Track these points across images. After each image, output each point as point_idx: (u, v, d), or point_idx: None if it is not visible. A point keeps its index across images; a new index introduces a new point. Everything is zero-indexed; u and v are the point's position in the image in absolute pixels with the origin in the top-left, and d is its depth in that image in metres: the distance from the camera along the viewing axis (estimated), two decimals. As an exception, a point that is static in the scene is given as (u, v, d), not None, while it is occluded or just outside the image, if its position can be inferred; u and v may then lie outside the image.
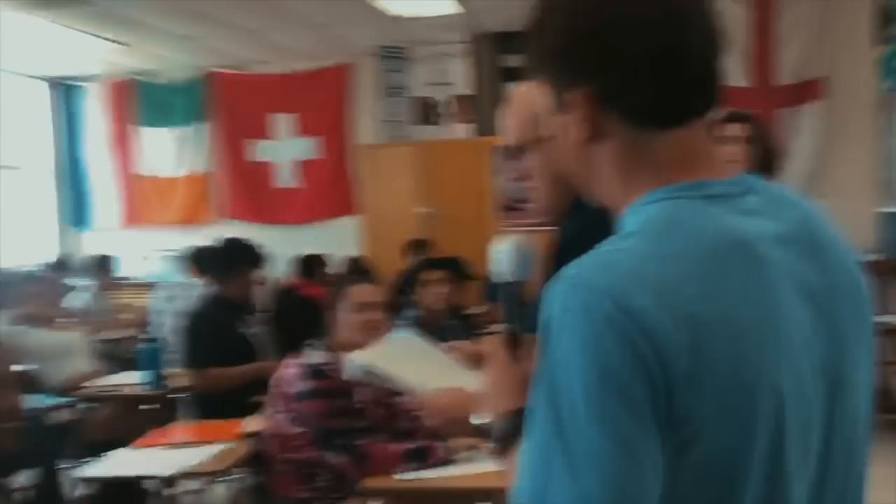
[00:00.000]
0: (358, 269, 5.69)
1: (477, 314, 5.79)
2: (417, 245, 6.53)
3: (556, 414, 0.74)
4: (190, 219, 8.29)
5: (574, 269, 0.79)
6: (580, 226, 1.45)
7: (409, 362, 1.70)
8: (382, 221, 7.36)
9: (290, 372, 2.81)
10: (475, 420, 1.27)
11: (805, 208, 0.90)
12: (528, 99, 1.49)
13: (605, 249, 0.81)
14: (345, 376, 1.65)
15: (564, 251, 1.44)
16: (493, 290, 6.01)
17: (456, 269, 4.70)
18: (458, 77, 7.59)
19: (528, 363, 1.05)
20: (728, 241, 0.80)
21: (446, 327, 4.12)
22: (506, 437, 0.99)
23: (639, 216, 0.84)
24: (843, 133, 6.34)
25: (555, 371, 0.76)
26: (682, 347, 0.74)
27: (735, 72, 6.22)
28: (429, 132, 7.68)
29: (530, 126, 1.47)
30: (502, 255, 1.18)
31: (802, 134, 6.38)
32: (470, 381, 1.60)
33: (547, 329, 0.78)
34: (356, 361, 1.59)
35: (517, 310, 1.16)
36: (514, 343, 1.11)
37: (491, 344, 1.10)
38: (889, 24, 5.61)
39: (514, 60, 7.30)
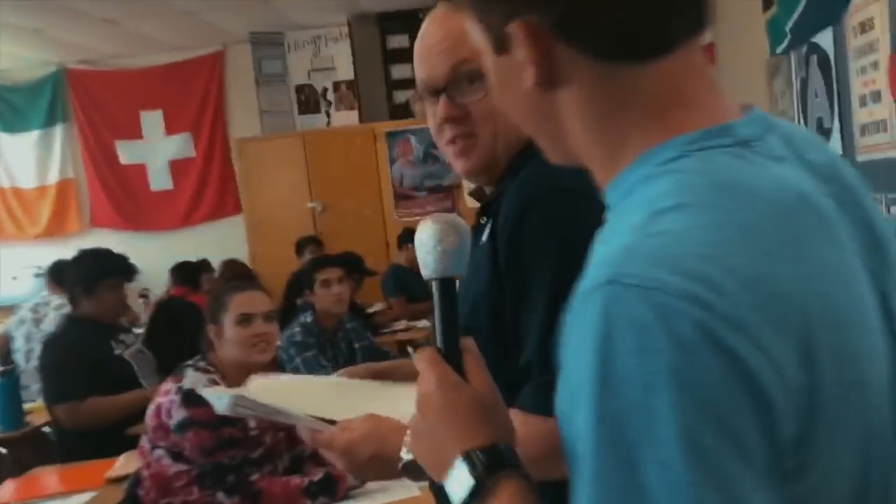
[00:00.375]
0: (236, 274, 5.19)
1: (378, 312, 5.44)
2: (309, 242, 6.14)
3: (635, 480, 0.53)
4: (57, 230, 7.62)
5: (618, 267, 0.57)
6: (524, 196, 1.13)
7: (302, 392, 1.31)
8: (269, 220, 6.93)
9: (166, 399, 2.38)
10: (406, 455, 0.99)
11: (828, 150, 0.74)
12: (459, 21, 1.17)
13: (647, 233, 0.59)
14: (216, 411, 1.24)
15: (516, 227, 1.12)
16: (394, 284, 5.62)
17: (353, 266, 4.33)
18: (340, 62, 7.20)
19: (478, 379, 0.79)
20: (794, 201, 0.63)
21: (348, 330, 3.74)
22: (480, 488, 0.70)
23: (666, 182, 0.62)
24: (735, 98, 6.29)
25: (624, 417, 0.54)
26: (794, 354, 0.56)
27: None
28: (312, 121, 7.27)
29: (467, 54, 1.16)
30: (429, 242, 0.85)
31: (696, 103, 6.33)
32: (396, 402, 1.24)
33: (593, 359, 0.55)
34: (220, 394, 1.19)
35: (454, 313, 0.84)
36: (455, 356, 0.80)
37: (425, 361, 0.79)
38: (775, -14, 5.53)
39: (398, 41, 6.97)
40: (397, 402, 1.24)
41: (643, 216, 0.60)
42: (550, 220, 1.10)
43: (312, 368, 3.36)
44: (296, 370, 3.34)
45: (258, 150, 7.05)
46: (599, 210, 1.14)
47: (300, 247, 6.14)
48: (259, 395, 1.14)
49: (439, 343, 0.81)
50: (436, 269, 0.84)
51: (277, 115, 7.29)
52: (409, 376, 1.46)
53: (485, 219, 1.23)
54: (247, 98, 7.34)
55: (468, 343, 0.82)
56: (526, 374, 1.09)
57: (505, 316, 1.12)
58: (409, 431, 0.82)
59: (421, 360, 0.79)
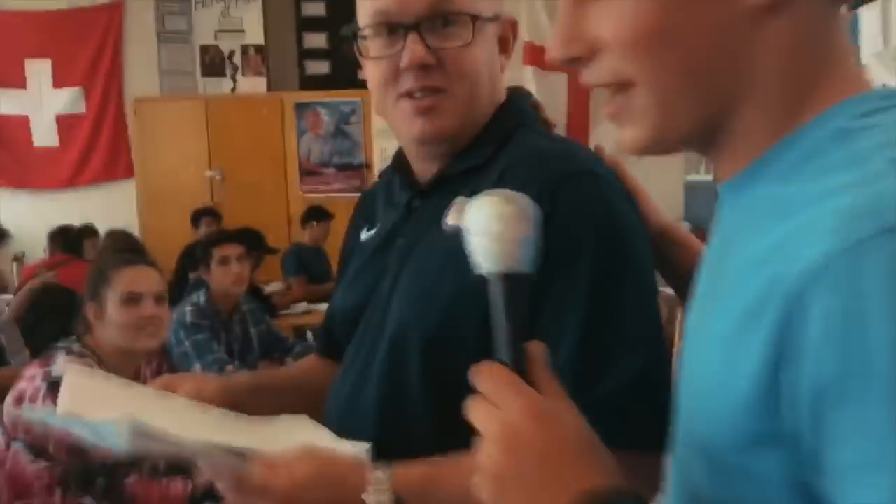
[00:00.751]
0: (122, 246, 4.77)
1: (277, 292, 5.14)
2: (205, 214, 5.76)
3: None
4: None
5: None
6: (543, 178, 0.93)
7: (185, 415, 1.04)
8: (163, 186, 6.52)
9: (30, 386, 2.07)
10: (372, 498, 0.83)
11: None
12: None
13: None
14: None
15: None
16: (295, 263, 5.28)
17: (253, 243, 4.03)
18: (250, 25, 6.80)
19: (559, 401, 0.62)
20: None
21: (245, 312, 3.46)
22: None
23: (887, 132, 0.53)
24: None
25: None
26: None
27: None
28: (216, 85, 6.85)
29: None
30: (491, 225, 0.64)
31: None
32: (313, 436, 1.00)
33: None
34: (105, 423, 0.89)
35: (523, 319, 0.65)
36: (524, 372, 0.62)
37: (497, 383, 0.61)
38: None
39: (313, 9, 6.63)
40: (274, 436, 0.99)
41: (884, 164, 0.51)
42: (582, 209, 0.92)
43: (203, 353, 3.08)
44: (184, 355, 3.05)
45: (156, 112, 6.61)
46: (620, 194, 0.96)
47: (196, 218, 5.76)
48: (144, 416, 0.87)
49: (504, 356, 0.63)
50: (502, 263, 0.64)
51: (179, 76, 6.85)
52: (272, 396, 1.18)
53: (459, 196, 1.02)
54: (146, 55, 6.86)
55: (536, 351, 0.63)
56: None
57: None
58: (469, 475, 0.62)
59: (489, 380, 0.61)
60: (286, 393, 1.22)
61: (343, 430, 1.01)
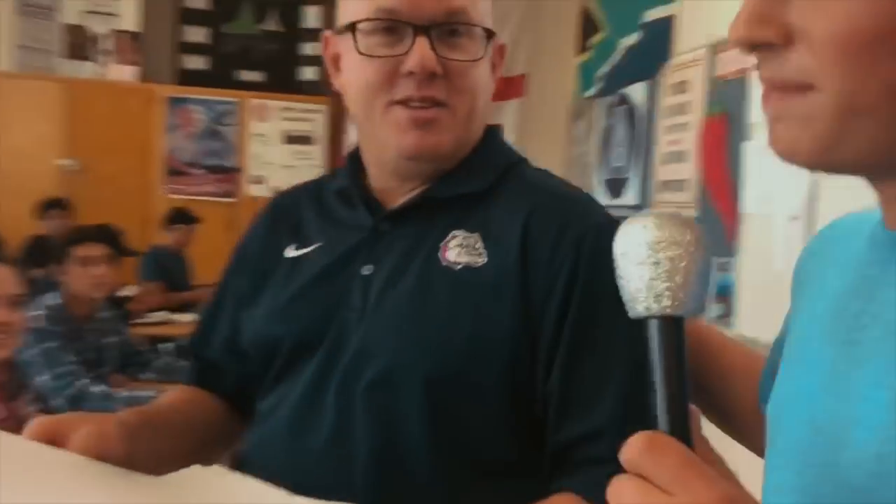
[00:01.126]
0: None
1: (133, 298, 4.77)
2: (54, 206, 5.29)
3: None
4: None
5: None
6: (583, 226, 0.90)
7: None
8: (9, 171, 5.96)
9: None
10: None
11: None
12: None
13: None
14: None
15: (587, 266, 0.89)
16: (154, 268, 4.88)
17: (114, 243, 3.69)
18: (125, 9, 6.38)
19: (737, 487, 0.48)
20: None
21: (100, 320, 3.13)
22: None
23: None
24: (538, 135, 6.35)
25: None
26: None
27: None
28: (80, 69, 6.37)
29: (468, 2, 0.92)
30: (658, 252, 0.50)
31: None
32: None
33: None
34: None
35: (686, 372, 0.50)
36: (687, 438, 0.49)
37: (664, 457, 0.47)
38: (593, 32, 5.63)
39: (195, 1, 6.30)
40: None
41: None
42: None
43: (54, 363, 2.74)
44: (32, 363, 2.71)
45: (9, 89, 6.05)
46: None
47: (43, 209, 5.28)
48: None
49: (664, 421, 0.49)
50: (672, 303, 0.50)
51: (38, 54, 6.31)
52: (169, 438, 0.99)
53: (456, 231, 0.92)
54: (2, 26, 6.30)
55: (694, 415, 0.53)
56: (568, 451, 0.84)
57: (534, 371, 0.85)
58: None
59: (661, 459, 0.47)
60: (182, 432, 1.05)
61: (321, 482, 0.85)
